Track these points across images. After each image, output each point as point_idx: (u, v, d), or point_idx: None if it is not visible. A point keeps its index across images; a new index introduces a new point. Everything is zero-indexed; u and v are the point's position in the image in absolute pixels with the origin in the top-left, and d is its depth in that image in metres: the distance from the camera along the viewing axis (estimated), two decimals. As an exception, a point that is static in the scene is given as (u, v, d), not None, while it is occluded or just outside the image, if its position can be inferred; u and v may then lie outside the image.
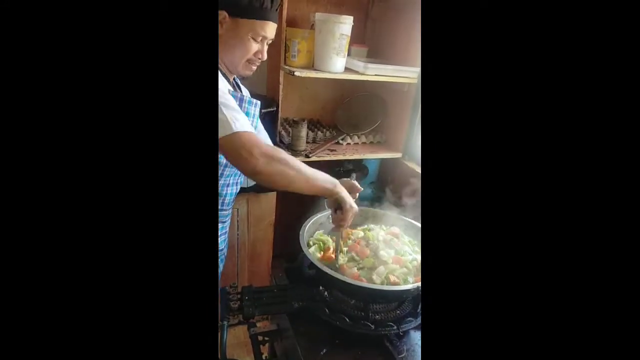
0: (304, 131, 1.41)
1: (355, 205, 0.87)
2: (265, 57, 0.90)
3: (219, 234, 1.02)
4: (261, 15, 0.84)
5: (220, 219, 1.01)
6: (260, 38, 0.86)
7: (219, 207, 0.98)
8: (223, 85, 0.78)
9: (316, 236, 1.04)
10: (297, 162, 0.79)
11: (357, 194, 1.00)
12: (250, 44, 0.86)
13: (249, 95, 1.03)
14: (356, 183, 0.99)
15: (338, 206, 0.87)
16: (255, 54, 0.88)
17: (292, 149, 1.42)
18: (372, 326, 0.82)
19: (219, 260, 1.08)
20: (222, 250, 1.07)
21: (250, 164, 0.72)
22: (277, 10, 0.87)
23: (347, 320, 0.82)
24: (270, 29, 0.87)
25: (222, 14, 0.83)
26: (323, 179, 0.83)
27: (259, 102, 0.99)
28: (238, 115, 0.75)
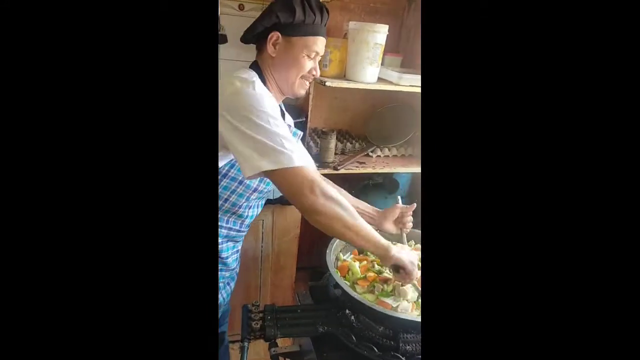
0: (333, 142, 1.37)
1: (415, 261, 0.80)
2: (318, 73, 0.89)
3: (232, 252, 0.98)
4: (313, 31, 0.83)
5: (235, 238, 0.97)
6: (313, 54, 0.85)
7: (238, 228, 0.95)
8: (275, 110, 0.76)
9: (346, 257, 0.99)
10: (352, 208, 0.75)
11: (412, 214, 0.96)
12: (305, 61, 0.84)
13: (293, 125, 1.01)
14: (404, 206, 0.95)
15: (397, 267, 0.81)
16: (310, 70, 0.86)
17: (320, 161, 1.37)
18: (403, 358, 0.75)
19: (230, 279, 1.04)
20: (233, 269, 1.02)
21: (310, 200, 0.70)
22: (325, 25, 0.86)
23: (375, 350, 0.76)
24: (321, 45, 0.86)
25: (275, 35, 0.82)
26: (377, 237, 0.78)
27: (301, 134, 0.98)
28: (296, 147, 0.73)
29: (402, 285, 0.84)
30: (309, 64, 0.85)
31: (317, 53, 0.86)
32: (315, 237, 1.58)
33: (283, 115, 0.96)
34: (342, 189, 1.01)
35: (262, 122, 0.71)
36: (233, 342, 1.45)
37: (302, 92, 0.89)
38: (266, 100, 0.75)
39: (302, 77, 0.86)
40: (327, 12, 0.85)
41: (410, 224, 1.01)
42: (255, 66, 0.87)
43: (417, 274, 0.81)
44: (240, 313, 0.86)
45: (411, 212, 0.99)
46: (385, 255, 0.78)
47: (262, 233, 1.37)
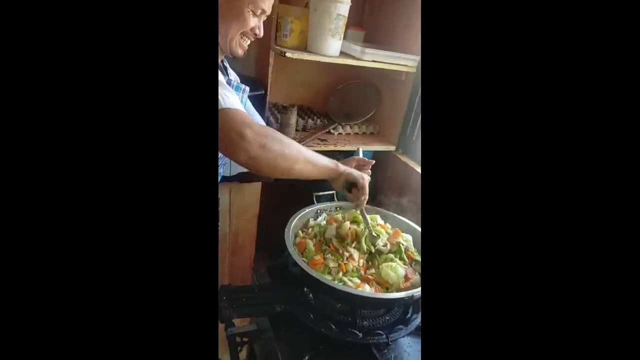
0: (293, 118, 1.32)
1: (367, 176, 0.83)
2: (261, 33, 0.82)
3: None
4: None
5: None
6: (259, 11, 0.78)
7: None
8: None
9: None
10: (294, 143, 0.71)
11: (370, 167, 0.94)
12: (249, 16, 0.77)
13: (238, 80, 0.94)
14: (365, 158, 0.93)
15: (349, 185, 0.82)
16: (252, 28, 0.79)
17: (280, 137, 1.33)
18: (360, 334, 0.76)
19: None
20: None
21: (242, 148, 0.63)
22: None
23: (333, 327, 0.76)
24: (269, 3, 0.79)
25: None
26: (324, 159, 0.76)
27: (247, 88, 0.91)
28: (227, 92, 0.66)
29: (356, 207, 0.88)
30: (253, 21, 0.79)
31: (264, 11, 0.79)
32: (274, 216, 1.55)
33: (224, 71, 0.90)
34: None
35: None
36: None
37: (240, 51, 0.83)
38: None
39: (242, 33, 0.80)
40: None
41: (368, 177, 0.92)
42: None
43: (367, 193, 0.84)
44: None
45: (369, 167, 0.94)
46: (335, 173, 0.78)
47: (219, 212, 1.31)
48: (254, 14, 0.78)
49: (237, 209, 1.36)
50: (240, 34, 0.79)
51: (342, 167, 0.80)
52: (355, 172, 0.82)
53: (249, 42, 0.83)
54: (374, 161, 0.96)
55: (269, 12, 0.81)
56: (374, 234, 0.90)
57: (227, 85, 0.69)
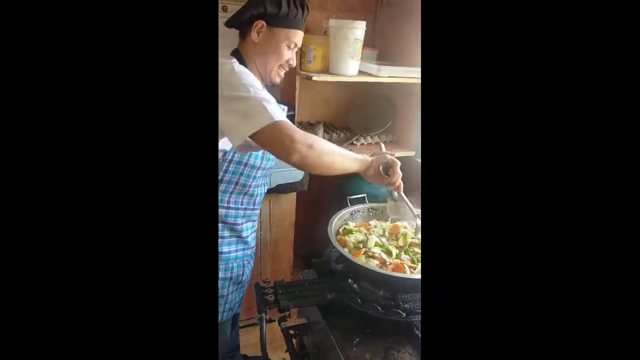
0: (320, 133, 1.47)
1: (394, 158, 0.92)
2: (294, 63, 0.97)
3: (250, 232, 1.07)
4: (295, 24, 0.92)
5: (251, 217, 1.06)
6: (293, 45, 0.94)
7: (251, 207, 1.04)
8: (258, 83, 0.83)
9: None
10: (331, 144, 0.84)
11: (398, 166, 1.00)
12: (284, 50, 0.93)
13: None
14: (393, 157, 0.99)
15: (385, 168, 0.91)
16: (287, 60, 0.95)
17: (309, 151, 1.47)
18: (404, 314, 0.85)
19: (250, 257, 1.12)
20: (253, 247, 1.11)
21: (295, 149, 0.75)
22: (305, 20, 0.95)
23: (379, 308, 0.85)
24: (300, 37, 0.95)
25: (260, 23, 0.90)
26: (355, 154, 0.88)
27: (285, 107, 1.06)
28: (274, 107, 0.79)
29: (395, 189, 0.95)
30: (288, 54, 0.95)
31: (296, 45, 0.95)
32: (309, 224, 1.67)
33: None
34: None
35: (243, 92, 0.78)
36: (242, 327, 1.52)
37: (278, 80, 0.98)
38: (245, 74, 0.82)
39: (280, 65, 0.96)
40: (308, 9, 0.94)
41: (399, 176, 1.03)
42: (237, 53, 0.95)
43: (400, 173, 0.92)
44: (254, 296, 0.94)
45: (398, 166, 1.01)
46: (367, 162, 0.89)
47: (260, 222, 1.45)
48: (289, 48, 0.94)
49: (276, 219, 1.49)
50: (277, 66, 0.95)
51: (371, 157, 0.90)
52: (385, 157, 0.90)
53: (284, 71, 0.98)
54: (399, 162, 1.04)
55: (300, 45, 0.97)
56: (414, 212, 0.99)
57: (275, 102, 0.82)
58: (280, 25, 0.91)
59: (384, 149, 1.05)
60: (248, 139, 0.78)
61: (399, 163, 0.92)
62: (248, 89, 0.78)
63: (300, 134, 0.77)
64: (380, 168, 0.92)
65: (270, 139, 0.78)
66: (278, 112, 0.78)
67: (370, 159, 0.90)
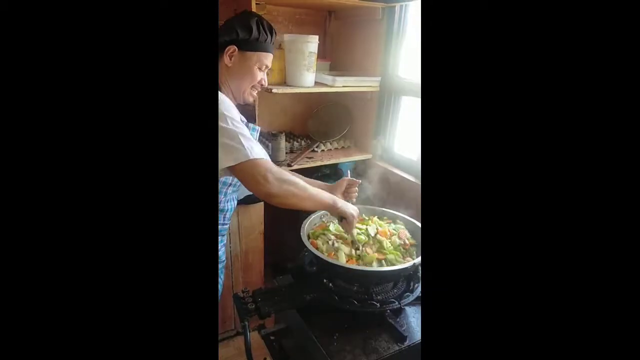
0: (282, 143, 1.51)
1: (355, 213, 1.01)
2: (266, 83, 1.03)
3: (220, 245, 1.09)
4: (264, 47, 0.97)
5: (221, 232, 1.08)
6: (264, 67, 1.00)
7: (221, 221, 1.05)
8: (236, 114, 0.88)
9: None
10: (302, 182, 0.91)
11: (357, 187, 1.14)
12: (257, 72, 0.99)
13: (246, 121, 1.12)
14: (353, 179, 1.13)
15: (341, 217, 1.00)
16: (259, 81, 1.01)
17: (273, 160, 1.50)
18: (378, 305, 0.92)
19: (221, 271, 1.14)
20: (223, 262, 1.13)
21: (266, 188, 0.83)
22: (273, 43, 1.01)
23: (356, 302, 0.92)
24: (270, 59, 1.01)
25: (232, 48, 0.94)
26: (324, 196, 0.95)
27: (259, 128, 1.10)
28: (252, 143, 0.85)
29: (345, 233, 1.05)
30: (260, 75, 1.01)
31: (267, 66, 1.01)
32: (277, 232, 1.70)
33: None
34: (299, 174, 1.16)
35: (223, 123, 0.82)
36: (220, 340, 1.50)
37: (251, 99, 1.04)
38: (225, 104, 0.86)
39: (252, 86, 1.01)
40: (276, 33, 1.01)
41: (356, 194, 1.18)
42: None
43: (354, 225, 1.02)
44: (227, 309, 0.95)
45: (356, 186, 1.17)
46: (332, 206, 0.97)
47: (229, 234, 1.45)
48: (260, 70, 0.99)
49: (245, 229, 1.50)
50: (250, 87, 1.00)
51: (340, 203, 0.97)
52: (346, 210, 0.97)
53: (256, 92, 1.04)
54: (359, 181, 1.17)
55: (270, 66, 1.02)
56: (357, 244, 1.08)
57: (251, 138, 0.87)
58: (252, 49, 0.96)
59: (349, 175, 1.16)
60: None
61: (355, 217, 1.00)
62: (228, 120, 0.83)
63: (273, 175, 0.84)
64: (337, 217, 1.03)
65: (245, 174, 0.84)
66: (255, 149, 0.84)
67: (338, 204, 0.97)
